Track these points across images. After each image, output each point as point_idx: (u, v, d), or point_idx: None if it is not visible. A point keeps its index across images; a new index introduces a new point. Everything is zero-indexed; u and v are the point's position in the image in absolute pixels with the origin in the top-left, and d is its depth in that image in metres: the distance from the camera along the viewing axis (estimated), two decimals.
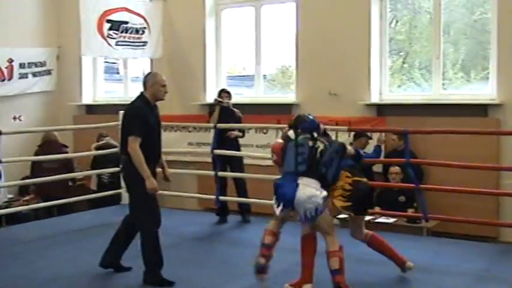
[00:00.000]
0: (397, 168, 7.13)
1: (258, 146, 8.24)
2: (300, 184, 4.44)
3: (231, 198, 7.28)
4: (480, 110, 7.31)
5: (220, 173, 7.18)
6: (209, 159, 7.62)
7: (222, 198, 7.17)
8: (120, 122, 7.47)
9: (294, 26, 8.55)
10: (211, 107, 7.42)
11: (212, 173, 7.26)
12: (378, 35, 8.06)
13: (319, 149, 4.55)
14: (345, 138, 7.77)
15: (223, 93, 7.34)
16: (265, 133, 8.28)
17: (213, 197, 7.26)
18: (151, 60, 9.76)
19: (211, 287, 4.77)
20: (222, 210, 7.24)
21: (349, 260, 5.28)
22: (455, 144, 6.89)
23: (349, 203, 4.60)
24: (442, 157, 6.65)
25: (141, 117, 4.74)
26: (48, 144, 8.89)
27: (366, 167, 4.93)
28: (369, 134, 7.00)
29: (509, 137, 6.91)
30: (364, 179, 4.76)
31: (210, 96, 9.32)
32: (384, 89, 8.15)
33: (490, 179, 6.87)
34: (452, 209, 6.77)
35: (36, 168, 8.78)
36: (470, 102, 7.42)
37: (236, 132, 7.24)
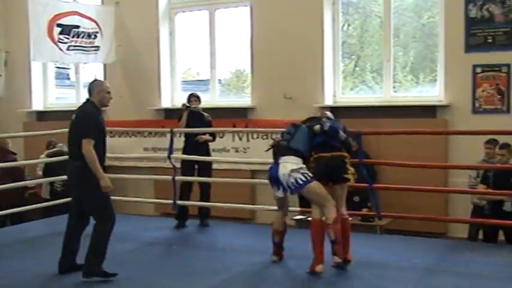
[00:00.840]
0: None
1: (214, 150, 8.28)
2: (281, 163, 5.04)
3: (189, 203, 7.28)
4: (429, 111, 7.55)
5: (178, 178, 7.18)
6: (165, 164, 7.60)
7: (179, 202, 7.17)
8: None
9: (249, 30, 8.63)
10: (180, 111, 7.39)
11: (169, 177, 7.25)
12: (330, 39, 8.23)
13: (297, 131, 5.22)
14: None
15: (192, 97, 7.33)
16: (221, 137, 8.33)
17: (170, 201, 7.25)
18: (104, 65, 9.67)
19: None
20: (181, 215, 7.24)
21: (302, 257, 5.45)
22: (406, 145, 7.09)
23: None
24: (394, 157, 6.84)
25: (94, 120, 4.98)
26: None
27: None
28: None
29: (456, 137, 7.17)
30: (330, 154, 5.10)
31: (165, 101, 9.33)
32: (338, 91, 8.33)
33: (439, 178, 7.11)
34: (404, 207, 6.95)
35: None
36: (419, 104, 7.67)
37: (206, 137, 7.21)
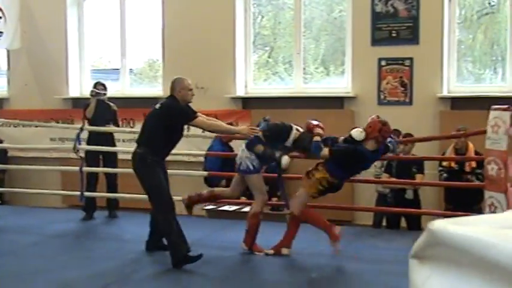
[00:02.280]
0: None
1: (124, 140, 8.14)
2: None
3: (97, 194, 7.13)
4: (337, 102, 7.76)
5: (85, 169, 7.00)
6: (73, 155, 7.39)
7: (87, 194, 7.00)
8: None
9: (160, 19, 8.52)
10: (87, 100, 7.20)
11: (76, 168, 7.06)
12: (242, 30, 8.27)
13: None
14: None
15: (99, 85, 7.17)
16: (132, 127, 8.19)
17: (78, 193, 7.06)
18: (8, 52, 9.26)
19: (75, 283, 4.65)
20: (89, 206, 7.07)
21: (213, 247, 5.47)
22: None
23: None
24: None
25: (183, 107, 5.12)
26: None
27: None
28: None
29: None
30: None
31: (73, 90, 9.06)
32: (249, 82, 8.39)
33: None
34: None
35: None
36: (328, 95, 7.85)
37: (113, 126, 7.10)
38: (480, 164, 6.15)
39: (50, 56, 9.00)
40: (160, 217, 5.02)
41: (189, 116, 5.11)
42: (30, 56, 9.06)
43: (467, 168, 6.29)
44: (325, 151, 5.12)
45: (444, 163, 6.48)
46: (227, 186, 7.52)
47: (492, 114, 5.18)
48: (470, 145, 6.29)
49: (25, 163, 8.35)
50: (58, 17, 8.95)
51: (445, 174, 6.43)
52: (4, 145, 8.02)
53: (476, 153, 6.24)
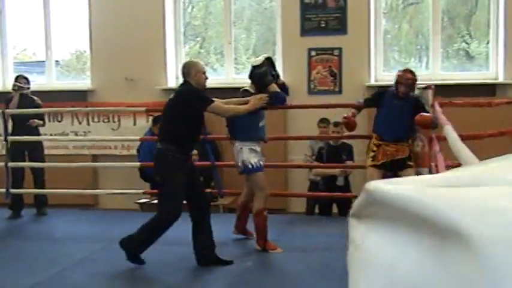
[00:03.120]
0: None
1: (52, 134, 7.91)
2: None
3: (24, 191, 6.90)
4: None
5: (11, 164, 6.75)
6: None
7: (13, 191, 6.76)
8: None
9: (87, 8, 8.29)
10: (8, 95, 6.94)
11: (1, 164, 6.80)
12: (172, 20, 8.17)
13: None
14: (143, 123, 7.87)
15: (21, 79, 6.93)
16: (59, 121, 7.98)
17: (3, 190, 6.80)
18: None
19: (4, 284, 4.51)
20: (16, 204, 6.84)
21: None
22: None
23: None
24: None
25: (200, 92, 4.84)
26: None
27: None
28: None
29: (293, 118, 7.48)
30: None
31: None
32: (180, 73, 8.29)
33: (279, 156, 7.39)
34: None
35: None
36: None
37: (37, 121, 6.87)
38: None
39: None
40: (155, 223, 4.68)
41: (206, 101, 4.75)
42: None
43: None
44: None
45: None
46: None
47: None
48: None
49: None
50: None
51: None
52: None
53: None
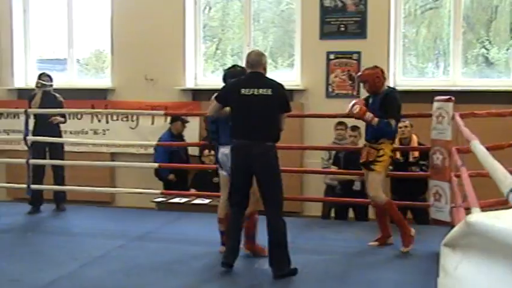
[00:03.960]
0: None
1: (72, 132, 8.01)
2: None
3: (44, 187, 7.00)
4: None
5: (32, 161, 6.86)
6: (18, 147, 7.26)
7: (33, 187, 6.87)
8: None
9: (109, 9, 8.39)
10: (32, 92, 7.05)
11: (23, 161, 6.91)
12: (192, 21, 8.24)
13: None
14: (161, 122, 7.94)
15: (44, 76, 7.02)
16: (79, 119, 8.08)
17: (24, 186, 6.92)
18: None
19: (24, 278, 4.59)
20: (36, 199, 6.94)
21: (164, 240, 5.48)
22: None
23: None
24: None
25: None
26: None
27: None
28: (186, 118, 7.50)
29: (310, 120, 7.51)
30: None
31: (18, 81, 8.84)
32: (199, 74, 8.38)
33: (295, 159, 7.42)
34: None
35: None
36: None
37: (59, 118, 6.97)
38: (424, 155, 6.36)
39: None
40: (281, 221, 4.55)
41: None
42: None
43: (411, 159, 6.48)
44: None
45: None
46: (177, 178, 7.54)
47: (435, 105, 5.39)
48: (414, 136, 6.48)
49: None
50: (2, 5, 8.70)
51: (390, 167, 6.59)
52: None
53: (419, 144, 6.43)
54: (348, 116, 5.43)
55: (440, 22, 8.12)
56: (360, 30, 7.59)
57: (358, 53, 7.58)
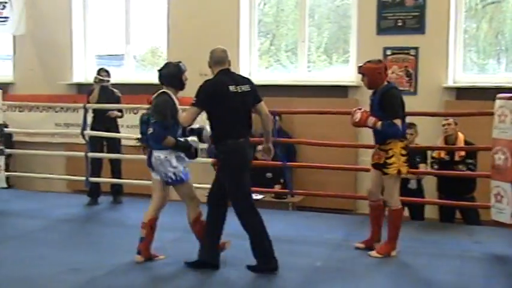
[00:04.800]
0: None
1: (128, 126, 8.16)
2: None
3: (102, 180, 7.18)
4: (341, 91, 7.76)
5: (90, 154, 7.05)
6: (77, 140, 7.45)
7: (92, 179, 7.05)
8: None
9: (165, 5, 8.51)
10: (91, 86, 7.25)
11: (81, 154, 7.11)
12: (247, 17, 8.26)
13: None
14: None
15: (102, 72, 7.19)
16: (135, 113, 8.21)
17: (83, 178, 7.11)
18: (14, 37, 9.26)
19: (83, 267, 4.71)
20: (94, 192, 7.13)
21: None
22: (320, 124, 7.24)
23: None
24: (307, 136, 7.01)
25: None
26: None
27: None
28: None
29: None
30: None
31: (78, 76, 9.07)
32: (253, 70, 8.39)
33: (349, 156, 7.35)
34: (316, 184, 7.17)
35: None
36: (332, 84, 7.85)
37: (116, 112, 7.14)
38: (470, 153, 6.19)
39: (55, 41, 8.99)
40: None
41: None
42: (35, 41, 9.05)
43: (457, 158, 6.31)
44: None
45: (434, 153, 6.50)
46: None
47: (498, 103, 5.20)
48: (460, 135, 6.32)
49: (30, 148, 8.40)
50: (63, 2, 8.94)
51: (435, 166, 6.45)
52: (10, 129, 8.04)
53: (466, 142, 6.28)
54: (352, 124, 5.09)
55: (503, 17, 7.86)
56: (418, 25, 7.42)
57: (416, 48, 7.43)
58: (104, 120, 7.05)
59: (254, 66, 8.40)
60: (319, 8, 8.58)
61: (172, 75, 4.83)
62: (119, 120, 7.30)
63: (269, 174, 7.40)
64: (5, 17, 8.81)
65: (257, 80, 8.24)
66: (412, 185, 6.48)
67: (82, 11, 9.08)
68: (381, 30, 7.57)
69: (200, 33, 8.20)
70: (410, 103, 7.14)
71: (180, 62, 4.94)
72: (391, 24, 7.54)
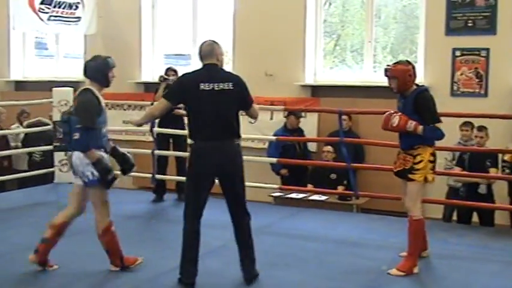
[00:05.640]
0: (329, 147, 7.37)
1: None
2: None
3: (168, 177, 7.31)
4: None
5: (157, 152, 7.19)
6: (144, 138, 7.61)
7: (158, 176, 7.19)
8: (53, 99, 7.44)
9: (231, 6, 8.60)
10: (157, 85, 7.40)
11: (148, 151, 7.26)
12: (313, 17, 8.24)
13: None
14: (280, 117, 8.01)
15: (170, 71, 7.32)
16: None
17: (149, 175, 7.27)
18: (85, 37, 9.56)
19: (148, 263, 4.80)
20: (159, 189, 7.27)
21: (280, 234, 5.53)
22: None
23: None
24: (372, 137, 6.92)
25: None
26: None
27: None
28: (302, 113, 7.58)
29: None
30: None
31: (146, 75, 9.28)
32: (318, 70, 8.36)
33: None
34: (381, 186, 7.06)
35: None
36: None
37: (181, 111, 7.22)
38: None
39: (124, 40, 9.23)
40: (247, 217, 4.46)
41: None
42: (106, 40, 9.32)
43: None
44: None
45: (506, 157, 6.29)
46: (289, 174, 7.59)
47: None
48: None
49: None
50: (133, 2, 9.18)
51: (507, 170, 6.24)
52: None
53: None
54: (385, 129, 4.75)
55: None
56: (489, 26, 7.22)
57: (487, 49, 7.23)
58: (170, 119, 7.15)
59: (319, 67, 8.37)
60: (386, 7, 8.47)
61: (98, 69, 4.42)
62: (185, 118, 7.39)
63: (333, 176, 7.35)
64: (78, 17, 9.08)
65: (322, 80, 8.27)
66: (482, 189, 6.30)
67: (151, 11, 9.29)
68: (450, 30, 7.41)
69: (266, 34, 8.24)
70: (481, 105, 7.01)
71: (109, 57, 4.52)
72: (460, 24, 7.36)
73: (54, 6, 8.75)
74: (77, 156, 4.30)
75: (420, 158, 4.53)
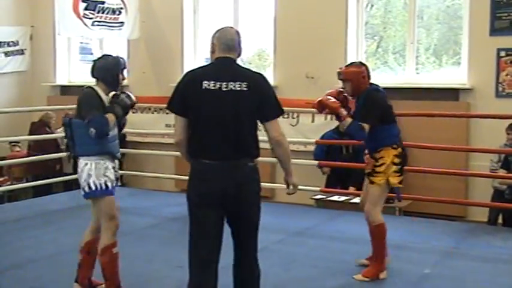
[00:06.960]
0: None
1: None
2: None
3: None
4: (451, 94, 7.52)
5: None
6: None
7: None
8: None
9: (272, 9, 8.63)
10: None
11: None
12: (354, 19, 8.20)
13: None
14: (321, 120, 7.99)
15: None
16: None
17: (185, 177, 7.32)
18: (128, 41, 9.75)
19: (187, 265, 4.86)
20: None
21: (322, 237, 5.52)
22: (428, 127, 7.08)
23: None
24: (415, 139, 6.84)
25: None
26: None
27: None
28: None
29: (478, 120, 7.14)
30: None
31: None
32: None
33: (460, 161, 7.10)
34: (423, 189, 6.98)
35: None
36: (442, 87, 7.63)
37: None
38: None
39: (166, 45, 9.38)
40: (258, 269, 3.41)
41: None
42: (148, 45, 9.48)
43: None
44: None
45: None
46: (333, 176, 7.55)
47: None
48: None
49: (142, 148, 8.80)
50: (175, 7, 9.29)
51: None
52: (124, 130, 8.45)
53: None
54: (319, 109, 4.55)
55: None
56: None
57: None
58: None
59: None
60: (428, 8, 8.36)
61: (107, 69, 3.94)
62: None
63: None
64: (121, 22, 9.26)
65: None
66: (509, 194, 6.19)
67: (192, 16, 9.40)
68: (495, 30, 7.26)
69: (307, 36, 8.24)
70: None
71: (121, 57, 4.13)
72: (505, 24, 7.22)
73: (98, 12, 8.94)
74: (81, 165, 3.89)
75: (382, 161, 4.38)
